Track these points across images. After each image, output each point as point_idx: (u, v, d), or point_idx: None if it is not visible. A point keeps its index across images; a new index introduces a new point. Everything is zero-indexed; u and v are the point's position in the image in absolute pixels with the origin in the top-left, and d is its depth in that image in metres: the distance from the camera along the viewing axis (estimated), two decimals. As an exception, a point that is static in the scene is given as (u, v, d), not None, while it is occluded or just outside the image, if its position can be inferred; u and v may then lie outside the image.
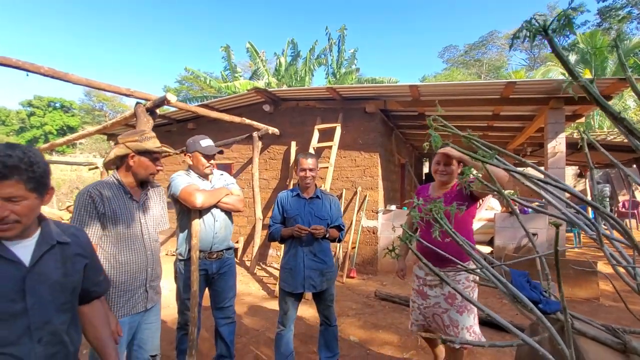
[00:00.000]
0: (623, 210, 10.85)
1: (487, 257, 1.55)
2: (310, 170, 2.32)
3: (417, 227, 2.38)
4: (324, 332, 2.42)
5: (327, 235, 2.30)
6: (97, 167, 8.13)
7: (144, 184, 1.78)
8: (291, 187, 5.67)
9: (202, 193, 2.17)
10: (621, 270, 1.25)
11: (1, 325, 0.97)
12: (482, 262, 0.97)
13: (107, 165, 1.75)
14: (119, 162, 1.71)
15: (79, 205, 1.58)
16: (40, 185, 1.02)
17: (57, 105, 30.80)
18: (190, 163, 2.30)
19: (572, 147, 6.12)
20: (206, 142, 2.27)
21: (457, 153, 2.03)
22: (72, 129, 28.48)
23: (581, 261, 4.28)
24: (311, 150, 5.39)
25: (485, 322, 3.00)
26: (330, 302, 2.39)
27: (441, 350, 2.40)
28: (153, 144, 1.73)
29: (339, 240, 2.46)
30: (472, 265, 1.71)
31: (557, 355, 0.96)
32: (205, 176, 2.30)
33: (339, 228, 2.42)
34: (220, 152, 2.34)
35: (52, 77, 3.30)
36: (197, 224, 2.20)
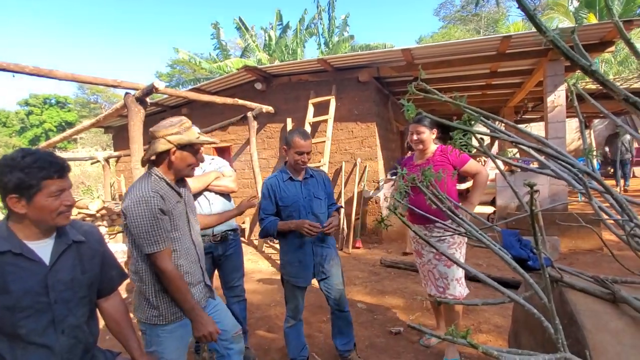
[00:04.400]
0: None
1: (476, 217, 1.57)
2: (308, 154, 2.03)
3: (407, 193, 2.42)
4: (336, 319, 2.25)
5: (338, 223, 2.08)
6: (98, 161, 8.19)
7: (181, 179, 1.62)
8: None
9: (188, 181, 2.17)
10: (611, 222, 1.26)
11: (29, 319, 1.08)
12: (465, 225, 0.98)
13: (145, 163, 1.57)
14: (158, 159, 1.52)
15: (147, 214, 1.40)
16: None
17: (53, 101, 30.58)
18: None
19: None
20: None
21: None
22: (70, 124, 28.39)
23: (583, 214, 4.29)
24: (307, 126, 5.34)
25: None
26: (341, 285, 2.19)
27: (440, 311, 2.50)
28: (193, 135, 1.53)
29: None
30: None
31: (546, 307, 0.99)
32: None
33: (338, 210, 2.23)
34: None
35: (38, 75, 3.26)
36: None
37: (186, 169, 1.55)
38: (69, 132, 5.74)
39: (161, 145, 1.47)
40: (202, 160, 1.66)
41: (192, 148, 1.54)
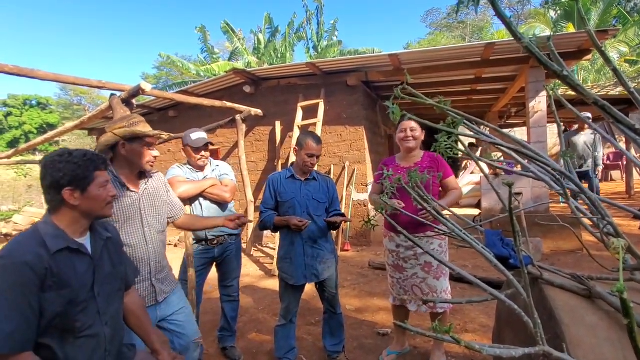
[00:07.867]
0: (608, 162, 11.10)
1: (464, 219, 1.61)
2: (318, 157, 2.13)
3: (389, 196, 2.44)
4: (328, 320, 2.31)
5: (337, 224, 2.12)
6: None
7: (142, 173, 1.67)
8: (280, 167, 5.67)
9: (183, 184, 2.24)
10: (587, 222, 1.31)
11: (83, 313, 1.12)
12: (450, 225, 1.01)
13: None
14: (110, 153, 1.59)
15: None
16: None
17: (34, 102, 29.76)
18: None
19: (555, 104, 6.13)
20: (196, 135, 2.32)
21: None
22: (52, 126, 27.65)
23: (563, 216, 4.43)
24: (296, 129, 5.36)
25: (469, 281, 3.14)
26: (335, 290, 2.26)
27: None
28: (143, 128, 1.60)
29: (336, 228, 2.27)
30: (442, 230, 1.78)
31: (526, 304, 1.02)
32: (199, 168, 2.38)
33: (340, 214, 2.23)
34: (210, 144, 2.37)
35: (18, 74, 3.19)
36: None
37: (140, 162, 1.62)
38: (50, 133, 5.59)
39: (108, 139, 1.57)
40: (154, 157, 1.68)
41: (142, 141, 1.60)
